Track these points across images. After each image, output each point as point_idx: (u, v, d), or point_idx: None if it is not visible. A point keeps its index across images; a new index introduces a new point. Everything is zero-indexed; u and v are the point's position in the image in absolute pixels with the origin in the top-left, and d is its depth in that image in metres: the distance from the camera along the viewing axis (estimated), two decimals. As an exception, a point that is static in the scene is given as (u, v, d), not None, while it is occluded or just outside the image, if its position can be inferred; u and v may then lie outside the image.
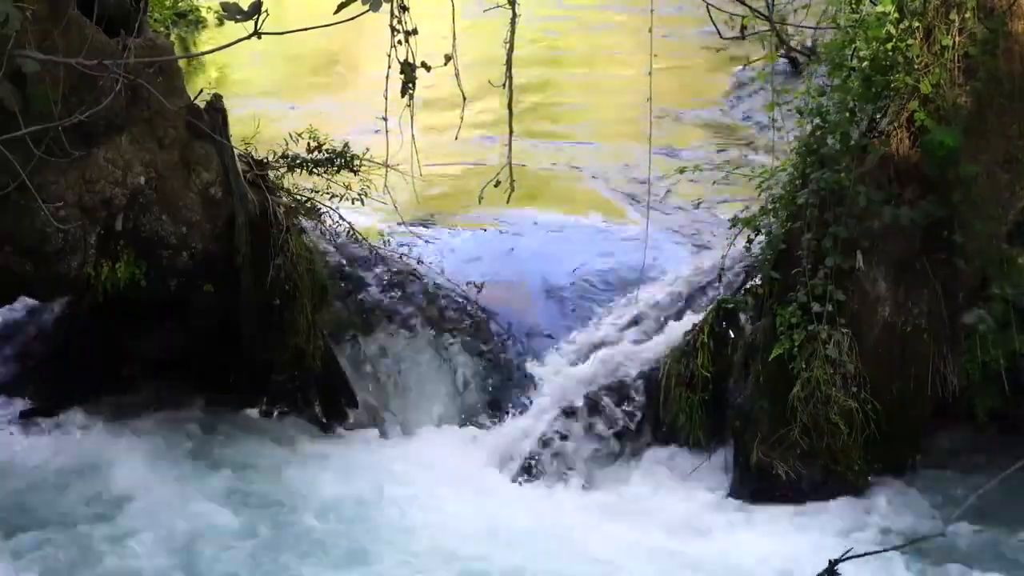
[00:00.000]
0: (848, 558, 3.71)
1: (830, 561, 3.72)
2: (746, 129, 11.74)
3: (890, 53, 6.85)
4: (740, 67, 13.21)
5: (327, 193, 8.10)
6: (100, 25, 6.69)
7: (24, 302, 8.16)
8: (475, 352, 8.10)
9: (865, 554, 3.80)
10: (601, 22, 16.00)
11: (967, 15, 6.66)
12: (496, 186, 6.41)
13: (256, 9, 3.58)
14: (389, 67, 5.69)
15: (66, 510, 6.87)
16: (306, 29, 4.06)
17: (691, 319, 7.82)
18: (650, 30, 6.69)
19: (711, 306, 7.67)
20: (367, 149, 8.07)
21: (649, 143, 6.76)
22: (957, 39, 6.67)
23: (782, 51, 11.63)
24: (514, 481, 7.42)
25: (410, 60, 5.65)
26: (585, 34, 15.92)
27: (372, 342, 8.11)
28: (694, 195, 9.59)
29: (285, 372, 7.82)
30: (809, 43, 10.33)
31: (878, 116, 7.07)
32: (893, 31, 6.81)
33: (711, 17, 8.10)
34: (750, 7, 7.07)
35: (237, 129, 7.81)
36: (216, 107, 7.46)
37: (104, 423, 7.73)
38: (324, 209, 8.12)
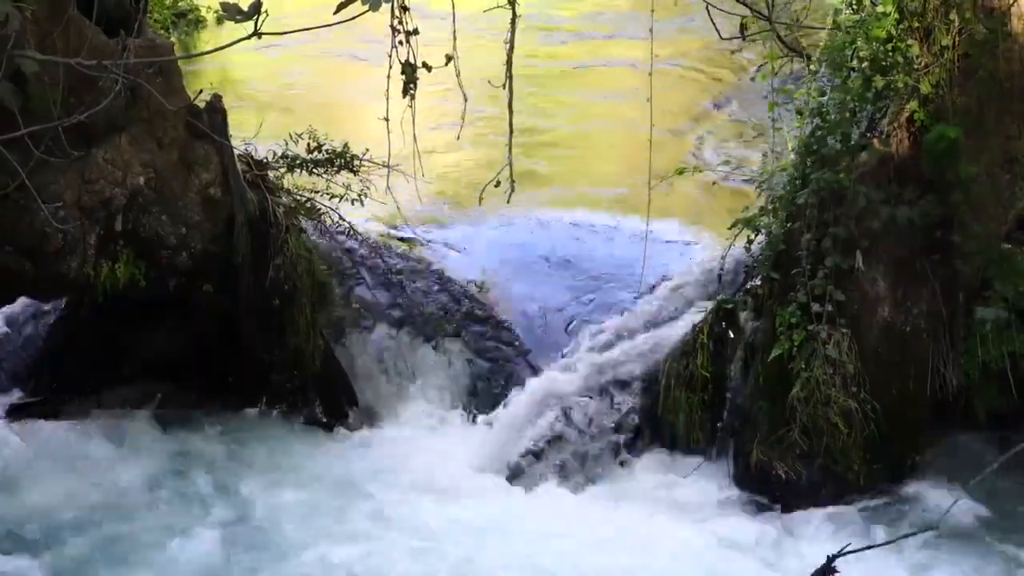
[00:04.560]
0: (845, 553, 3.72)
1: (828, 557, 3.74)
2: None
3: (890, 53, 6.85)
4: (755, 69, 13.17)
5: (327, 193, 8.11)
6: (100, 25, 6.69)
7: (24, 302, 8.16)
8: (475, 352, 8.11)
9: (861, 549, 3.82)
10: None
11: (967, 15, 6.66)
12: (496, 186, 6.41)
13: (256, 9, 3.58)
14: (391, 67, 5.69)
15: (62, 508, 6.87)
16: (306, 29, 4.07)
17: (691, 319, 7.82)
18: (651, 30, 6.70)
19: (711, 306, 7.67)
20: (367, 149, 8.08)
21: (650, 143, 6.76)
22: (957, 39, 6.68)
23: (784, 53, 11.61)
24: (513, 480, 7.42)
25: (411, 61, 5.66)
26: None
27: (372, 342, 8.12)
28: (695, 194, 9.59)
29: (285, 372, 7.83)
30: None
31: (878, 116, 7.07)
32: (893, 31, 6.81)
33: (711, 18, 8.10)
34: (750, 7, 7.07)
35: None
36: (216, 107, 7.46)
37: (103, 422, 7.73)
38: (324, 209, 8.12)
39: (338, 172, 8.09)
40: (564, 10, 15.59)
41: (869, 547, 3.96)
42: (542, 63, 12.89)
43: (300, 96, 12.44)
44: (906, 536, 4.17)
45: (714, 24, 8.40)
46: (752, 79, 11.91)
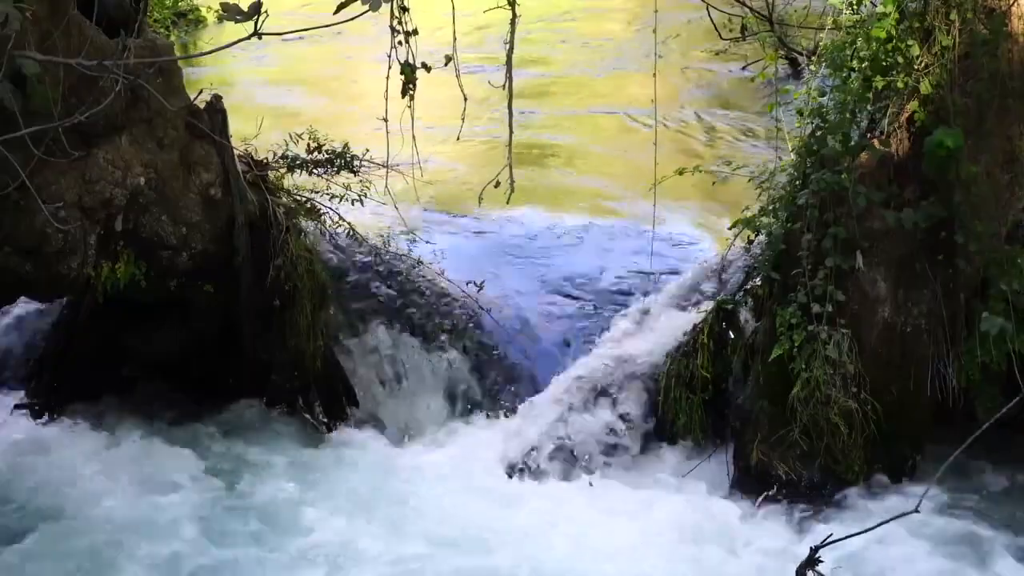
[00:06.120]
0: (829, 543, 3.72)
1: (811, 548, 3.74)
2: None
3: (890, 54, 6.85)
4: (740, 67, 13.20)
5: (327, 193, 8.11)
6: (100, 26, 6.69)
7: (25, 302, 8.16)
8: (475, 352, 8.11)
9: (844, 538, 3.82)
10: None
11: (967, 15, 6.66)
12: (496, 186, 6.42)
13: (256, 10, 3.58)
14: (390, 67, 5.70)
15: (63, 510, 6.86)
16: (306, 29, 4.08)
17: (691, 319, 7.82)
18: (654, 31, 6.71)
19: (711, 306, 7.68)
20: (367, 149, 8.08)
21: (654, 143, 6.78)
22: (957, 39, 6.67)
23: (782, 53, 11.64)
24: (514, 481, 7.42)
25: (410, 61, 5.67)
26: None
27: (373, 342, 8.11)
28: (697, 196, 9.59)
29: (285, 372, 7.82)
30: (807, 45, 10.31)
31: (878, 116, 7.07)
32: (893, 31, 6.81)
33: (711, 18, 8.11)
34: (750, 8, 7.07)
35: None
36: (216, 108, 7.47)
37: (103, 423, 7.73)
38: (324, 210, 8.12)
39: (338, 172, 8.09)
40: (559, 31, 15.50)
41: (851, 535, 3.96)
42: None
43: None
44: (885, 522, 4.15)
45: (714, 25, 8.42)
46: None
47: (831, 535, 3.88)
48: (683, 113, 12.13)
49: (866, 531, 4.15)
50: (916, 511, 3.89)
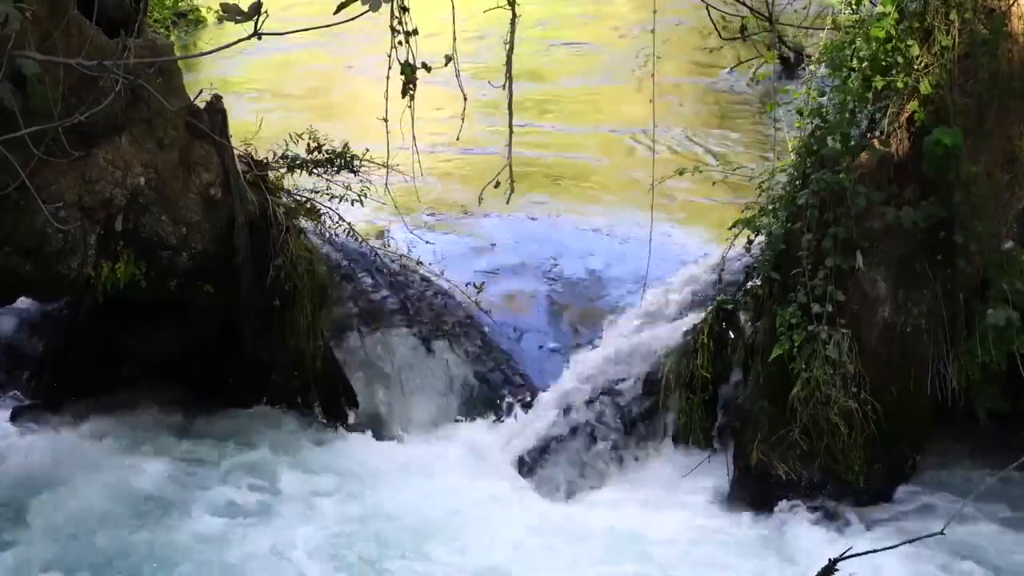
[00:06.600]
0: (848, 556, 3.70)
1: (830, 559, 3.72)
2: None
3: (890, 53, 6.85)
4: (727, 69, 13.21)
5: (327, 193, 8.11)
6: (100, 26, 6.69)
7: (24, 302, 8.16)
8: (475, 353, 8.11)
9: (865, 553, 3.80)
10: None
11: (967, 15, 6.66)
12: (496, 187, 6.42)
13: (256, 10, 3.57)
14: (390, 67, 5.70)
15: (63, 509, 6.86)
16: (306, 29, 4.07)
17: (691, 319, 7.83)
18: (652, 31, 6.71)
19: (711, 306, 7.68)
20: (367, 149, 8.08)
21: (652, 147, 6.78)
22: (957, 39, 6.67)
23: (779, 52, 11.66)
24: (513, 481, 7.42)
25: (411, 61, 5.67)
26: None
27: (372, 343, 8.12)
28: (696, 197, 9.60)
29: (285, 372, 7.83)
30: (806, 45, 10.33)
31: (878, 116, 7.07)
32: (893, 31, 6.81)
33: (710, 18, 8.10)
34: (750, 8, 7.07)
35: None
36: (216, 108, 7.47)
37: (103, 423, 7.73)
38: (324, 210, 8.13)
39: (338, 172, 8.09)
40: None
41: (873, 551, 3.94)
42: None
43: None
44: (910, 541, 4.16)
45: (714, 24, 8.41)
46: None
47: (851, 548, 3.86)
48: (674, 132, 12.11)
49: (888, 548, 4.13)
50: (942, 532, 3.87)
